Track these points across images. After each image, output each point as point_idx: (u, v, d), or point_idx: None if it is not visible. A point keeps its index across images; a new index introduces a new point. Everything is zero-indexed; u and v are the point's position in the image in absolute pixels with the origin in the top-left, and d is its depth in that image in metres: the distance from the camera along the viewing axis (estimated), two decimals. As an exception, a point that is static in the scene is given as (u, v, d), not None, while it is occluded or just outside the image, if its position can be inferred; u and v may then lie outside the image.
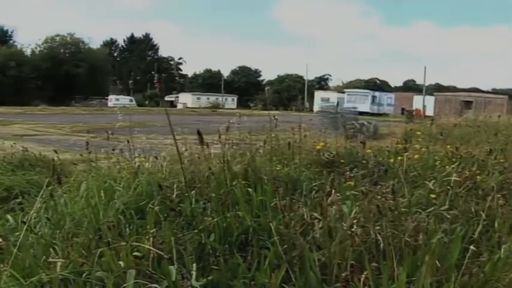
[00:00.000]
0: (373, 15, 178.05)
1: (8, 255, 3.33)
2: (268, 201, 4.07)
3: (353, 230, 3.37)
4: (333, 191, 3.43)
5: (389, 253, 3.25)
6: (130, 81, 72.73)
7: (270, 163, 5.38)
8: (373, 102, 68.49)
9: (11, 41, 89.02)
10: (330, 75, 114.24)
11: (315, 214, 3.69)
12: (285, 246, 3.45)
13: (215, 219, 3.71)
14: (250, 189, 4.33)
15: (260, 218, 3.96)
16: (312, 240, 3.48)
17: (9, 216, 4.85)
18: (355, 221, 3.49)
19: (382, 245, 3.36)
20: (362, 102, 63.73)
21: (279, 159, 6.07)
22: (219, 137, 4.85)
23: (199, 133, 3.73)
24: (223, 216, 3.79)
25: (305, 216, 3.72)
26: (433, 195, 4.67)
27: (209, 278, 3.27)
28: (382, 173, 5.38)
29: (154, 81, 3.68)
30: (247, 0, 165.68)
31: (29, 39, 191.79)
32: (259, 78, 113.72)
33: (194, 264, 3.26)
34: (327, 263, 3.38)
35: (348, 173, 5.39)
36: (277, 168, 5.51)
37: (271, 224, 3.56)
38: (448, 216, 4.11)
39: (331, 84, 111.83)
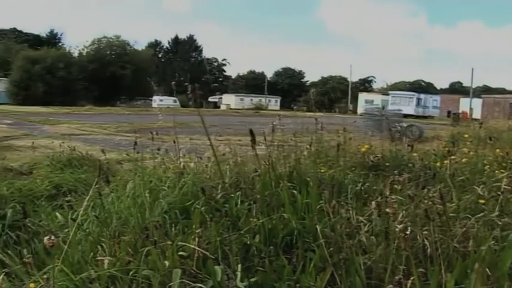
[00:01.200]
0: (419, 15, 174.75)
1: (58, 251, 3.41)
2: (313, 203, 4.04)
3: (400, 234, 3.32)
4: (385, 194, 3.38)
5: (436, 259, 3.18)
6: (173, 83, 73.50)
7: (314, 165, 5.35)
8: (418, 104, 67.49)
9: (59, 44, 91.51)
10: (374, 77, 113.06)
11: (361, 217, 3.65)
12: (331, 249, 3.42)
13: (260, 221, 3.71)
14: (295, 192, 4.31)
15: (305, 221, 3.94)
16: (358, 244, 3.44)
17: (58, 214, 4.97)
18: (401, 225, 3.44)
19: (429, 250, 3.30)
20: (407, 104, 62.80)
21: (323, 162, 6.03)
22: (264, 138, 4.84)
23: (252, 133, 3.73)
24: (268, 218, 3.79)
25: (351, 219, 3.68)
26: (482, 201, 4.55)
27: (254, 279, 3.27)
28: (429, 177, 5.28)
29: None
30: (291, 1, 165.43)
31: (76, 41, 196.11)
32: (302, 80, 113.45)
33: (239, 265, 3.27)
34: (372, 267, 3.34)
35: (393, 176, 5.31)
36: (322, 171, 5.47)
37: (316, 226, 3.54)
38: (499, 223, 4.00)
39: (375, 86, 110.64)
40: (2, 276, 2.87)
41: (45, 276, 3.03)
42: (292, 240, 3.76)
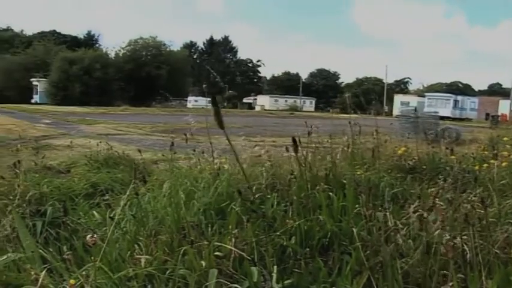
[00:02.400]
0: (457, 15, 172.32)
1: (96, 249, 3.46)
2: (349, 206, 4.02)
3: (438, 239, 3.27)
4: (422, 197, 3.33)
5: (476, 265, 3.12)
6: (204, 85, 74.03)
7: (350, 167, 5.32)
8: (455, 106, 66.37)
9: (96, 45, 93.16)
10: (410, 79, 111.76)
11: (398, 221, 3.61)
12: (367, 252, 3.39)
13: (297, 223, 3.70)
14: (331, 194, 4.28)
15: (341, 223, 3.91)
16: (395, 248, 3.40)
17: (95, 212, 5.05)
18: (440, 230, 3.39)
19: (469, 256, 3.23)
20: (443, 106, 61.84)
21: (359, 164, 5.98)
22: (299, 140, 4.82)
23: (294, 141, 3.72)
24: (304, 220, 3.78)
25: (388, 222, 3.64)
26: (524, 206, 4.45)
27: (289, 280, 3.26)
28: (467, 181, 5.18)
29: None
30: (326, 2, 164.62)
31: (113, 42, 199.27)
32: (337, 81, 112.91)
33: (275, 266, 3.26)
34: (409, 271, 3.30)
35: (431, 179, 5.25)
36: (358, 173, 5.43)
37: (353, 229, 3.51)
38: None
39: (411, 87, 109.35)
40: (44, 272, 2.93)
41: (83, 273, 3.09)
42: (328, 242, 3.74)
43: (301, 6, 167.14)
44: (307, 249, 3.59)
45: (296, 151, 3.77)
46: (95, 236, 2.71)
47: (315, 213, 3.95)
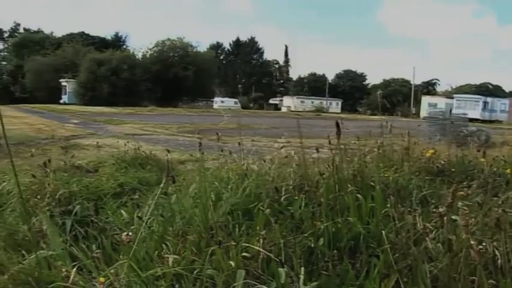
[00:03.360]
0: (487, 15, 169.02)
1: (124, 248, 3.49)
2: (378, 208, 3.98)
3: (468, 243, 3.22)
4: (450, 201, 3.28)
5: (508, 271, 3.07)
6: (239, 86, 74.35)
7: (378, 169, 5.27)
8: (484, 108, 65.35)
9: (124, 46, 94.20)
10: (438, 80, 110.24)
11: (427, 224, 3.57)
12: (396, 255, 3.35)
13: (324, 224, 3.68)
14: (359, 196, 4.25)
15: (370, 225, 3.88)
16: (424, 251, 3.36)
17: (123, 211, 5.09)
18: (469, 234, 3.33)
19: (500, 262, 3.18)
20: (472, 108, 60.95)
21: (387, 166, 5.93)
22: (329, 142, 4.81)
23: (337, 125, 3.69)
24: (332, 222, 3.76)
25: (417, 225, 3.60)
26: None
27: (317, 282, 3.24)
28: (498, 184, 5.10)
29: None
30: (352, 3, 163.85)
31: (140, 43, 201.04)
32: (364, 82, 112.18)
33: (302, 268, 3.25)
34: (438, 275, 3.25)
35: (460, 182, 5.17)
36: (386, 175, 5.38)
37: (382, 231, 3.48)
38: None
39: (439, 89, 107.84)
40: (74, 269, 2.97)
41: (112, 271, 3.12)
42: (356, 244, 3.72)
43: (328, 6, 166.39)
44: (335, 251, 3.56)
45: (339, 136, 3.75)
46: (130, 234, 2.74)
47: (343, 215, 3.92)
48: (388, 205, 3.95)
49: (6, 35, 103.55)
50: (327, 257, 3.51)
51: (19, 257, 3.59)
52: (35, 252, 3.51)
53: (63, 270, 3.10)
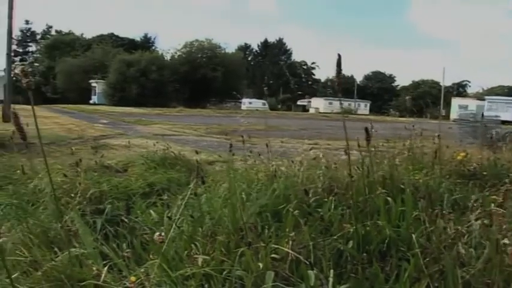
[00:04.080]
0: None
1: (154, 248, 3.52)
2: (408, 211, 3.94)
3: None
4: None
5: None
6: (266, 87, 74.44)
7: (408, 172, 5.22)
8: (517, 110, 64.06)
9: (153, 47, 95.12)
10: (469, 81, 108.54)
11: (459, 228, 3.52)
12: (427, 259, 3.31)
13: (354, 227, 3.66)
14: (389, 198, 4.21)
15: (400, 228, 3.84)
16: (456, 256, 3.31)
17: (151, 211, 5.13)
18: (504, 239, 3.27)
19: (535, 268, 3.11)
20: (505, 110, 59.72)
21: (417, 168, 5.86)
22: (358, 144, 4.77)
23: (366, 131, 3.67)
24: (362, 224, 3.73)
25: (448, 229, 3.55)
26: None
27: (346, 285, 3.22)
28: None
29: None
30: (381, 3, 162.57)
31: (168, 45, 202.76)
32: (393, 84, 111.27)
33: (331, 271, 3.24)
34: (471, 281, 3.20)
35: (493, 186, 5.09)
36: (416, 178, 5.32)
37: (412, 235, 3.44)
38: None
39: (469, 90, 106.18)
40: (106, 268, 3.00)
41: (142, 270, 3.15)
42: (386, 248, 3.68)
43: (356, 7, 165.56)
44: (365, 254, 3.53)
45: (368, 142, 3.73)
46: (163, 234, 2.77)
47: (373, 218, 3.89)
48: (419, 208, 3.91)
49: (38, 37, 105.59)
50: (357, 259, 3.49)
51: (52, 254, 3.64)
52: (67, 250, 3.56)
53: (94, 268, 3.14)
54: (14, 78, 36.96)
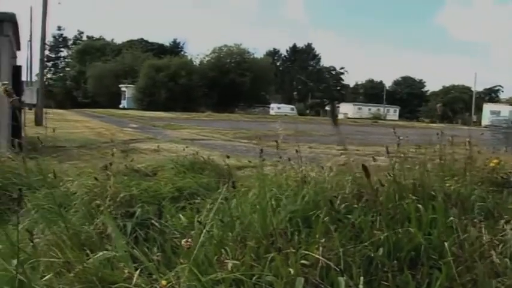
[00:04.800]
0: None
1: (184, 252, 3.53)
2: (439, 219, 3.89)
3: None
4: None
5: None
6: (295, 92, 74.38)
7: (438, 179, 5.14)
8: (553, 116, 62.79)
9: (182, 52, 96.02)
10: (502, 87, 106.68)
11: (493, 237, 3.46)
12: (459, 268, 3.26)
13: (384, 234, 3.62)
14: (420, 205, 4.16)
15: (431, 236, 3.79)
16: (490, 265, 3.25)
17: (181, 215, 5.16)
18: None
19: None
20: (539, 116, 58.60)
21: (448, 175, 5.77)
22: (387, 150, 4.73)
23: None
24: (392, 231, 3.69)
25: (482, 238, 3.49)
26: None
27: (376, 292, 3.20)
28: None
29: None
30: (410, 7, 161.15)
31: (197, 50, 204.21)
32: (423, 89, 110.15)
33: (361, 278, 3.21)
34: (504, 291, 3.14)
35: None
36: (447, 185, 5.24)
37: (444, 243, 3.40)
38: None
39: (502, 96, 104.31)
40: (138, 271, 3.03)
41: (172, 273, 3.16)
42: (417, 256, 3.63)
43: (385, 11, 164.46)
44: (395, 261, 3.50)
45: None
46: (190, 240, 2.78)
47: (403, 225, 3.85)
48: (450, 216, 3.85)
49: (70, 42, 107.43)
50: (387, 267, 3.45)
51: (83, 256, 3.69)
52: (98, 252, 3.60)
53: (126, 271, 3.17)
54: (47, 83, 37.59)
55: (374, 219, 4.00)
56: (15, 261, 3.45)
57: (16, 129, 14.33)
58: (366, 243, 3.62)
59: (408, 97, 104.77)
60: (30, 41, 47.55)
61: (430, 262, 3.56)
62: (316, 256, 3.23)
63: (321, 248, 3.27)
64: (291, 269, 3.15)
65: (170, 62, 75.70)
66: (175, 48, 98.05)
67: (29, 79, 47.21)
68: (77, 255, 3.71)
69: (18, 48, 19.23)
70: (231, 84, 77.65)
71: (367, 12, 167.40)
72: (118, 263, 3.54)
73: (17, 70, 16.41)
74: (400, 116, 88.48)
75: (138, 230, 4.74)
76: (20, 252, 3.70)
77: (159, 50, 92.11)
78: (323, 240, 3.41)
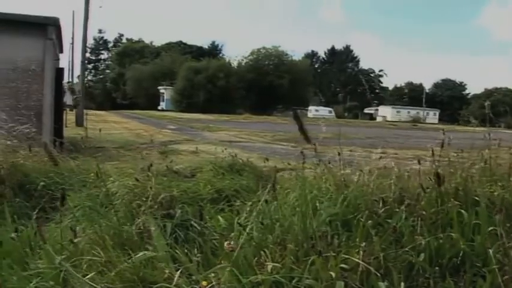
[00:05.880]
0: None
1: (223, 253, 3.55)
2: (483, 225, 3.80)
3: None
4: None
5: None
6: (337, 94, 74.05)
7: (481, 184, 5.03)
8: None
9: (220, 55, 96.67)
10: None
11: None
12: (505, 277, 3.18)
13: (426, 239, 3.57)
14: (462, 211, 4.08)
15: (474, 243, 3.72)
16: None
17: (220, 217, 5.18)
18: None
19: None
20: None
21: (492, 181, 5.64)
22: (432, 153, 4.65)
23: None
24: (434, 237, 3.63)
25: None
26: None
27: (417, 299, 3.15)
28: None
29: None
30: (451, 8, 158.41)
31: (235, 52, 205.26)
32: (463, 92, 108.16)
33: (402, 283, 3.17)
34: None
35: None
36: (491, 190, 5.12)
37: (489, 250, 3.32)
38: None
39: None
40: (179, 272, 3.06)
41: (212, 274, 3.18)
42: (459, 262, 3.56)
43: (424, 12, 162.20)
44: (437, 267, 3.44)
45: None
46: (232, 243, 2.80)
47: (445, 231, 3.78)
48: (494, 222, 3.76)
49: (110, 45, 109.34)
50: (428, 273, 3.40)
51: (124, 256, 3.74)
52: (139, 252, 3.65)
53: (166, 271, 3.20)
54: (87, 85, 38.27)
55: (415, 224, 3.94)
56: (59, 258, 3.53)
57: (58, 129, 14.67)
58: (406, 248, 3.57)
59: (449, 100, 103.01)
60: (72, 43, 48.54)
61: (473, 269, 3.49)
62: (356, 260, 3.20)
63: (361, 252, 3.24)
64: (331, 273, 3.13)
65: (208, 64, 76.24)
66: (213, 51, 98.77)
67: (70, 81, 48.18)
68: (118, 255, 3.77)
69: (61, 51, 19.69)
70: (269, 86, 77.65)
71: (405, 13, 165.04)
72: (158, 263, 3.58)
73: (59, 72, 16.78)
74: (440, 119, 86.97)
75: (177, 231, 4.78)
76: (63, 249, 3.79)
77: (197, 52, 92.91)
78: (363, 244, 3.37)
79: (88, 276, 3.39)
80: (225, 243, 2.96)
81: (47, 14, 14.38)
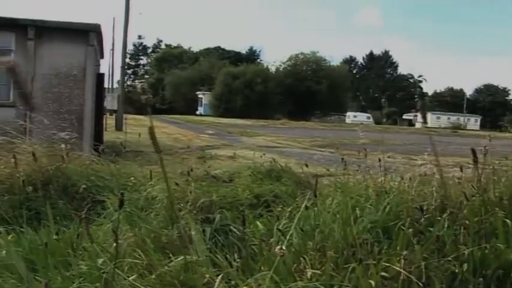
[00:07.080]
0: None
1: (263, 259, 3.55)
2: (529, 235, 3.71)
3: None
4: None
5: None
6: (384, 99, 73.42)
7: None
8: None
9: (258, 60, 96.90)
10: None
11: None
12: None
13: (470, 249, 3.50)
14: (507, 220, 3.98)
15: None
16: None
17: (258, 222, 5.19)
18: None
19: None
20: None
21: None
22: (475, 160, 4.54)
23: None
24: (478, 247, 3.55)
25: None
26: None
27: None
28: None
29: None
30: (491, 13, 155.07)
31: (273, 57, 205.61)
32: (507, 98, 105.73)
33: (444, 294, 3.12)
34: None
35: None
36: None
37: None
38: None
39: None
40: (220, 277, 3.08)
41: (252, 280, 3.18)
42: (505, 274, 3.48)
43: (464, 16, 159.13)
44: (481, 278, 3.37)
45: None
46: (284, 248, 2.79)
47: (489, 240, 3.70)
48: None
49: (149, 50, 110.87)
50: (472, 284, 3.34)
51: (165, 259, 3.78)
52: (180, 256, 3.68)
53: (207, 276, 3.22)
54: (126, 90, 38.79)
55: (457, 233, 3.87)
56: (100, 260, 3.59)
57: (98, 133, 14.95)
58: (449, 258, 3.51)
59: (491, 106, 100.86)
60: (113, 49, 49.33)
61: (520, 281, 3.40)
62: (397, 269, 3.17)
63: (402, 261, 3.20)
64: (371, 281, 3.10)
65: (246, 69, 76.49)
66: (251, 56, 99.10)
67: (110, 86, 48.97)
68: (159, 258, 3.81)
69: (102, 57, 20.09)
70: (307, 91, 77.35)
71: (444, 17, 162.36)
72: (198, 267, 3.60)
73: (100, 78, 17.12)
74: (482, 126, 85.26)
75: (217, 235, 4.80)
76: (104, 252, 3.85)
77: (235, 57, 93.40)
78: (404, 252, 3.33)
79: (130, 279, 3.44)
80: (276, 248, 2.95)
81: (88, 20, 14.68)
